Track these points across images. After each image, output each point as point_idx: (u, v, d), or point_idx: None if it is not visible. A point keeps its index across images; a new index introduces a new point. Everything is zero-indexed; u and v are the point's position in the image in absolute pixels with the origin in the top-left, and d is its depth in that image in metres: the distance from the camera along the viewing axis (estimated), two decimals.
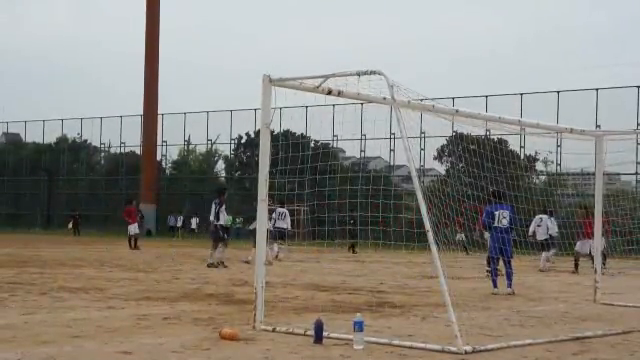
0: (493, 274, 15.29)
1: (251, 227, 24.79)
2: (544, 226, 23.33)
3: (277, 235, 24.81)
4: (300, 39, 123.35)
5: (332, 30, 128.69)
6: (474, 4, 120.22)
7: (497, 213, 15.00)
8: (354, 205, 27.14)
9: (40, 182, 60.46)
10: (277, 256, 24.27)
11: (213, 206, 21.67)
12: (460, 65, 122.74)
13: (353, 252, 32.57)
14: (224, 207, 21.80)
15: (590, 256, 22.23)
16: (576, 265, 22.30)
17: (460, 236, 29.54)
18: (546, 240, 23.37)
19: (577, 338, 9.32)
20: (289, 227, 25.70)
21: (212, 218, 21.65)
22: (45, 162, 60.72)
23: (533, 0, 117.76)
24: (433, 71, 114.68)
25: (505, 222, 15.02)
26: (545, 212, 23.32)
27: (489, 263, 21.21)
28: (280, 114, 45.52)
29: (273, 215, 23.84)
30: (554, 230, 23.52)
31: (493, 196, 15.39)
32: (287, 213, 25.30)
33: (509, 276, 15.13)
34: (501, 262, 15.28)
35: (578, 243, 21.69)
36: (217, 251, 21.33)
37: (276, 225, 24.57)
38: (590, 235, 21.31)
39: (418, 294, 14.69)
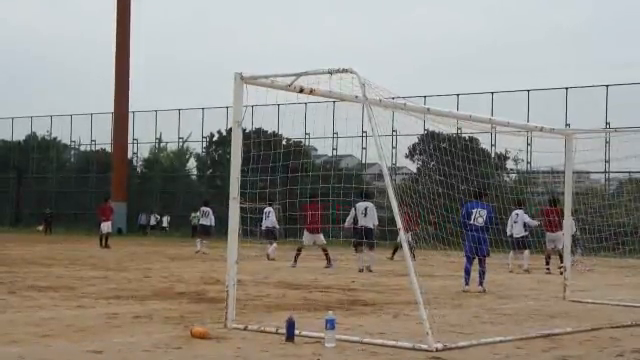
0: (465, 272, 15.34)
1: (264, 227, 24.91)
2: (520, 222, 21.57)
3: (265, 234, 24.92)
4: (273, 37, 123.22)
5: (306, 28, 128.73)
6: (445, 4, 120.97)
7: (474, 211, 15.08)
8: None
9: (9, 180, 59.73)
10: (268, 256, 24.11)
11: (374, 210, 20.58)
12: (432, 63, 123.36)
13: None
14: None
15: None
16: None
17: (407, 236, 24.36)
18: (524, 238, 21.57)
19: (547, 335, 9.41)
20: (275, 225, 25.55)
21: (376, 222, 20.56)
22: (14, 160, 60.02)
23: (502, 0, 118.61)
24: (405, 69, 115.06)
25: (481, 221, 15.08)
26: (520, 206, 21.80)
27: (547, 262, 21.23)
28: (252, 112, 45.32)
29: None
30: (533, 224, 21.96)
31: (473, 195, 15.47)
32: (272, 211, 25.27)
33: (481, 274, 15.22)
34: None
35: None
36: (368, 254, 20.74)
37: (262, 224, 24.68)
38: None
39: (389, 292, 14.74)
